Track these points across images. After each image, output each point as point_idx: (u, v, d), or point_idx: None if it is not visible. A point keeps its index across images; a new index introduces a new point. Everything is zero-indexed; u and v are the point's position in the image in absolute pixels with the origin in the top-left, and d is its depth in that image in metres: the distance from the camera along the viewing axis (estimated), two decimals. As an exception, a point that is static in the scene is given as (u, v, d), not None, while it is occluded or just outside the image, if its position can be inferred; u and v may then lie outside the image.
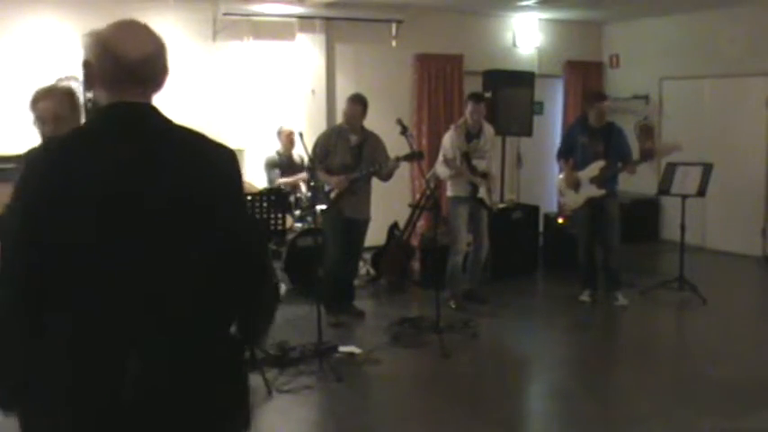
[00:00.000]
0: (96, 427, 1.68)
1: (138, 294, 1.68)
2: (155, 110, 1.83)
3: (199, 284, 1.75)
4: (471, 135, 6.38)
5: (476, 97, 6.45)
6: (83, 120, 3.19)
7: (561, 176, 6.81)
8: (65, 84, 3.33)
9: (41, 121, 3.12)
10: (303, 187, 7.28)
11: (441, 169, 6.39)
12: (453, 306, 6.41)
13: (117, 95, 1.79)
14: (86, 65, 1.84)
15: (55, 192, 1.67)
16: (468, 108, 6.37)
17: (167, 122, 1.82)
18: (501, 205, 7.80)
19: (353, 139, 6.02)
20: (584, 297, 6.69)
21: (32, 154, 1.90)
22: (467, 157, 6.32)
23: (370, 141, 6.05)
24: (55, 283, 1.67)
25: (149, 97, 1.85)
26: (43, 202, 1.67)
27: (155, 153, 1.75)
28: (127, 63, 1.78)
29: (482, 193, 6.37)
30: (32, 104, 3.16)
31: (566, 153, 6.80)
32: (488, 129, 6.50)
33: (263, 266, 1.95)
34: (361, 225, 6.11)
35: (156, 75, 1.87)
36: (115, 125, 1.77)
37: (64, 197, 1.67)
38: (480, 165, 6.36)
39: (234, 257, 1.81)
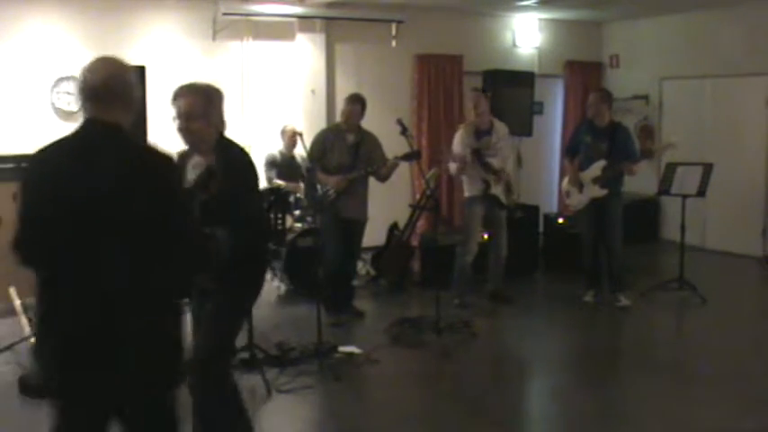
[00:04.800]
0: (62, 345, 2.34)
1: (90, 255, 2.31)
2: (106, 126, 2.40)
3: (128, 244, 2.32)
4: (481, 132, 6.35)
5: (476, 89, 6.50)
6: (220, 117, 3.31)
7: (566, 179, 6.79)
8: (204, 83, 3.35)
9: (176, 116, 3.25)
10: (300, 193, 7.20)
11: (451, 165, 6.40)
12: (456, 303, 6.41)
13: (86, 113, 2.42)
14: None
15: (33, 184, 2.38)
16: (472, 100, 6.40)
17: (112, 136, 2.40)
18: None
19: (350, 138, 6.02)
20: (588, 297, 6.69)
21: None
22: (478, 154, 6.30)
23: (367, 141, 6.04)
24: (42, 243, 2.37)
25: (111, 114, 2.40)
26: (27, 190, 2.38)
27: (90, 159, 2.33)
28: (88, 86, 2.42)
29: (496, 190, 6.35)
30: (172, 100, 3.26)
31: (572, 152, 6.79)
32: (501, 127, 6.43)
33: (180, 233, 2.46)
34: (358, 225, 6.10)
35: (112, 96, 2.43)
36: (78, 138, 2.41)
37: (37, 189, 2.36)
38: (493, 162, 6.33)
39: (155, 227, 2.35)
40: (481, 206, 6.41)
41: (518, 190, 9.32)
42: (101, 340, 2.32)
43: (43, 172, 2.37)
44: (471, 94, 6.43)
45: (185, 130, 3.23)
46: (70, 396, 2.41)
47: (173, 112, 3.24)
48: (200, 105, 3.21)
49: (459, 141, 6.35)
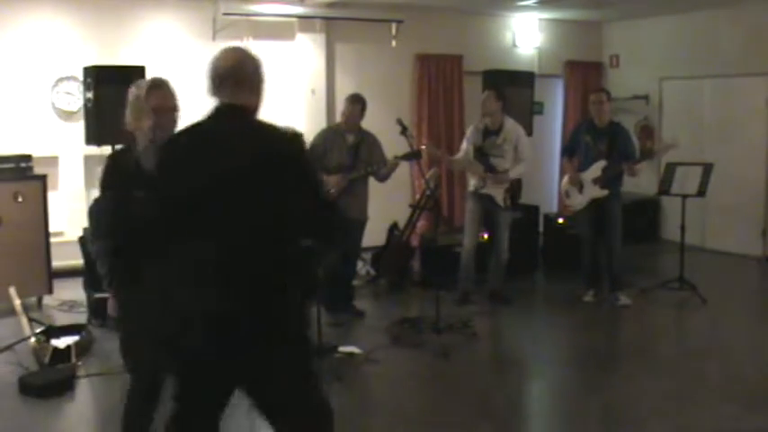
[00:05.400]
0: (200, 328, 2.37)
1: (227, 234, 2.39)
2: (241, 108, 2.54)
3: (270, 223, 2.43)
4: (490, 132, 6.38)
5: (489, 89, 6.50)
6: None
7: (566, 179, 6.80)
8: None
9: (160, 108, 3.24)
10: None
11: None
12: (455, 299, 6.44)
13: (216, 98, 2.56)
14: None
15: (170, 168, 2.52)
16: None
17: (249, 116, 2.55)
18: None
19: (350, 138, 6.02)
20: (588, 297, 6.69)
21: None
22: (481, 152, 6.32)
23: (366, 141, 6.05)
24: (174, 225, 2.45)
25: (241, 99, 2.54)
26: (166, 173, 2.52)
27: (227, 140, 2.47)
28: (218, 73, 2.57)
29: (491, 190, 6.36)
30: (153, 90, 3.22)
31: (570, 152, 6.80)
32: (511, 128, 6.37)
33: (326, 204, 2.71)
34: (358, 225, 6.10)
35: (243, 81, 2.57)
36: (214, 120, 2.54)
37: (177, 171, 2.49)
38: (499, 163, 6.34)
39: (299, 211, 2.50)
40: (475, 203, 6.46)
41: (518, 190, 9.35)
42: (242, 319, 2.38)
43: (180, 156, 2.49)
44: (485, 97, 6.43)
45: (174, 122, 3.22)
46: (208, 375, 2.45)
47: (152, 103, 3.17)
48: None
49: (467, 136, 6.52)
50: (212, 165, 2.42)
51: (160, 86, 3.21)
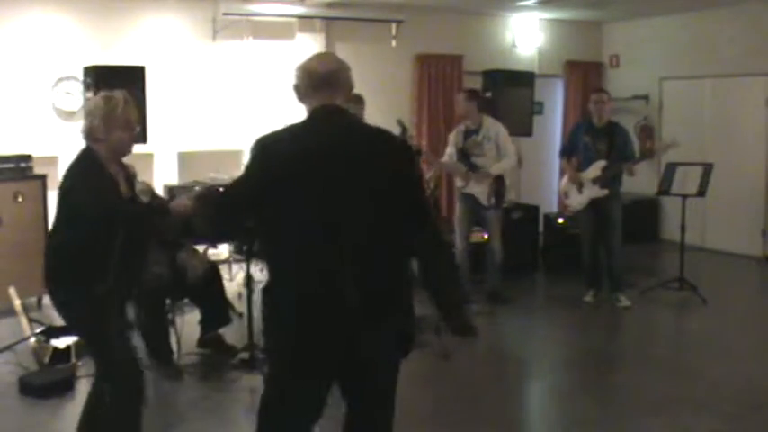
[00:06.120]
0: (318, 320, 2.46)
1: (338, 233, 2.43)
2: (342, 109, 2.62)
3: (381, 222, 2.48)
4: (470, 132, 6.41)
5: (463, 91, 6.58)
6: None
7: (565, 179, 6.80)
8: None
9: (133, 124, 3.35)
10: None
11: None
12: None
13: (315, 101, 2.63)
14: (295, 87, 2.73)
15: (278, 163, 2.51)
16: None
17: (350, 117, 2.68)
18: (504, 206, 7.76)
19: None
20: (588, 298, 6.69)
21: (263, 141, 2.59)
22: (463, 152, 6.36)
23: None
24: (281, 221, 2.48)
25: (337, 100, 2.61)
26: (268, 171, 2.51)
27: (342, 139, 2.55)
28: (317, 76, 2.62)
29: (473, 189, 6.37)
30: (127, 108, 3.26)
31: (569, 152, 6.80)
32: (491, 126, 6.41)
33: (426, 211, 2.68)
34: None
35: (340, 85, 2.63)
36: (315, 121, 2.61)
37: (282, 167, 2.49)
38: (482, 162, 6.35)
39: (405, 204, 2.56)
40: (462, 204, 6.54)
41: (518, 190, 9.34)
42: (360, 310, 2.46)
43: (285, 154, 2.50)
44: (459, 99, 6.53)
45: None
46: (318, 365, 2.55)
47: (128, 116, 3.23)
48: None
49: (450, 141, 6.58)
50: (328, 160, 2.48)
51: (132, 102, 3.25)
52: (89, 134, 3.18)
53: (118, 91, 3.28)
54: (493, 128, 6.41)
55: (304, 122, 2.62)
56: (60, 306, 3.25)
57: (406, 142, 2.75)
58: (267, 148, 2.53)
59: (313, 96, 2.63)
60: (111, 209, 3.09)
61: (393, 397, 2.85)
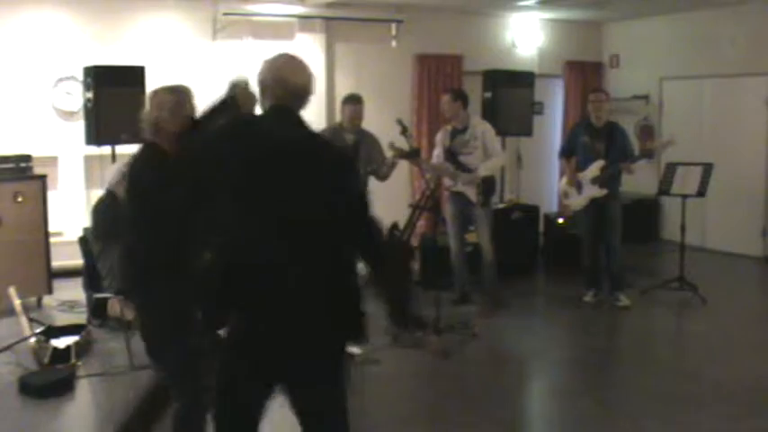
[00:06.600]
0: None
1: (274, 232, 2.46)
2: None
3: (318, 230, 2.52)
4: (457, 131, 6.40)
5: (448, 92, 6.56)
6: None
7: (564, 179, 6.80)
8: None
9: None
10: None
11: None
12: (454, 299, 6.46)
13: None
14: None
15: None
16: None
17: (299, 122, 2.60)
18: (500, 205, 7.78)
19: (349, 138, 6.01)
20: (588, 298, 6.69)
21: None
22: (450, 152, 6.35)
23: (366, 141, 6.04)
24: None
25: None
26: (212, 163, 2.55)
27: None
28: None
29: (461, 188, 6.35)
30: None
31: (568, 152, 6.80)
32: (478, 125, 6.38)
33: (364, 214, 2.70)
34: None
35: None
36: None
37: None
38: (469, 161, 6.32)
39: (343, 208, 2.58)
40: (452, 203, 6.53)
41: (518, 190, 9.35)
42: (310, 324, 2.64)
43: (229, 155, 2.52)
44: (442, 100, 6.51)
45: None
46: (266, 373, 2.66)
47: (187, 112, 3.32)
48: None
49: (437, 141, 6.58)
50: (254, 150, 2.50)
51: (192, 94, 3.37)
52: (155, 125, 3.20)
53: (180, 85, 3.37)
54: (479, 127, 6.39)
55: (257, 119, 2.70)
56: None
57: (346, 153, 2.84)
58: (208, 150, 2.61)
59: (272, 99, 2.60)
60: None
61: (337, 416, 2.84)
